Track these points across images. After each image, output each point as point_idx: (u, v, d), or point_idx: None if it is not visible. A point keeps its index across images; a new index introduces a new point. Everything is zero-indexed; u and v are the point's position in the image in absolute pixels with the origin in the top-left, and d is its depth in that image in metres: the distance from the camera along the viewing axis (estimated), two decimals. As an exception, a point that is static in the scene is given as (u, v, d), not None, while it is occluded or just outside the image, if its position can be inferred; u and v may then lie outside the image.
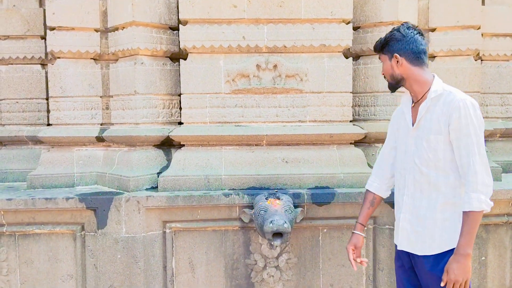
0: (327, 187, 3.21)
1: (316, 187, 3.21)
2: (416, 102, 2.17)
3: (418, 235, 2.14)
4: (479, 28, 3.62)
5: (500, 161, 3.86)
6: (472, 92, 3.60)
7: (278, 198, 2.96)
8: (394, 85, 2.22)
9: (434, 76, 2.15)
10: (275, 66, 3.26)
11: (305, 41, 3.25)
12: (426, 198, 2.11)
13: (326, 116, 3.32)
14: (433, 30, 3.67)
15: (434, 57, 3.68)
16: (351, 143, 3.39)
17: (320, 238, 3.17)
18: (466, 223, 1.94)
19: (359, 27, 3.51)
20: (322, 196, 3.09)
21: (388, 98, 3.38)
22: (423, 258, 2.13)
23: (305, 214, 3.07)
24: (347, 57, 3.35)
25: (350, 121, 3.40)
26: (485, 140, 3.77)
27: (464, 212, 1.95)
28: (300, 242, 3.15)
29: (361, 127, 3.40)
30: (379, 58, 2.28)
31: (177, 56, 3.45)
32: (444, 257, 2.06)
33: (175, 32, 3.41)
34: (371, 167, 3.36)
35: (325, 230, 3.17)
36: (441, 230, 2.07)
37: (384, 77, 2.27)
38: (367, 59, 3.49)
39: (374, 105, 3.46)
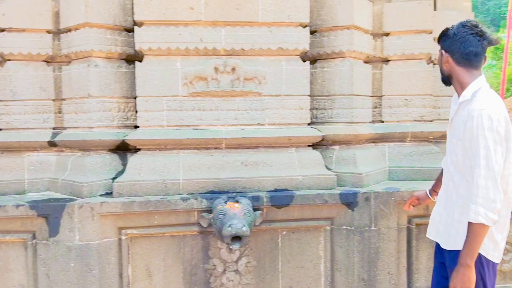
0: (286, 190, 3.22)
1: (276, 190, 3.21)
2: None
3: (444, 228, 2.23)
4: (431, 32, 3.73)
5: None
6: (424, 95, 3.72)
7: (237, 202, 2.94)
8: (445, 79, 2.26)
9: (478, 78, 2.12)
10: (233, 69, 3.24)
11: (263, 44, 3.26)
12: (450, 196, 2.18)
13: (284, 119, 3.33)
14: (387, 34, 3.76)
15: (388, 61, 3.77)
16: (309, 146, 3.42)
17: (279, 240, 3.17)
18: (467, 234, 1.98)
19: (316, 31, 3.55)
20: (281, 198, 3.09)
21: (344, 101, 3.43)
22: (445, 251, 2.23)
23: (265, 217, 3.07)
24: (304, 61, 3.38)
25: (308, 124, 3.43)
26: (440, 142, 3.95)
27: (468, 222, 1.98)
28: (259, 245, 3.14)
29: (319, 130, 3.44)
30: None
31: (133, 59, 3.37)
32: (457, 256, 2.07)
33: (130, 33, 3.33)
34: (329, 169, 3.40)
35: (284, 233, 3.17)
36: (456, 230, 2.13)
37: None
38: (324, 63, 3.53)
39: (331, 108, 3.50)
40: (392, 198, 3.18)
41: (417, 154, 3.67)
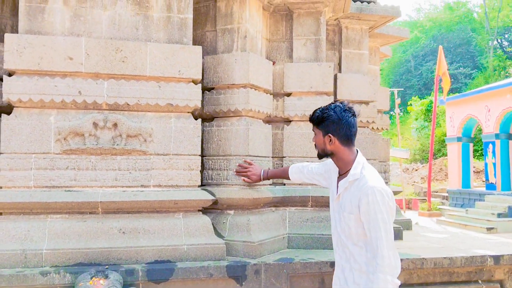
0: (169, 261, 2.88)
1: (156, 261, 2.86)
2: (340, 175, 2.32)
3: None
4: (332, 94, 3.67)
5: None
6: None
7: (106, 277, 2.56)
8: (323, 156, 2.38)
9: (357, 154, 2.28)
10: (115, 125, 2.96)
11: (150, 99, 3.01)
12: (347, 262, 2.27)
13: (172, 180, 3.05)
14: (288, 94, 3.66)
15: (290, 121, 3.65)
16: (199, 210, 3.13)
17: (157, 320, 2.78)
18: None
19: (213, 88, 3.38)
20: (159, 272, 2.75)
21: (240, 162, 3.21)
22: None
23: (141, 293, 2.69)
24: (196, 118, 3.16)
25: (200, 186, 3.16)
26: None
27: None
28: (133, 327, 2.73)
29: (212, 192, 3.18)
30: (313, 129, 2.38)
31: (7, 111, 3.01)
32: None
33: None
34: (221, 236, 3.12)
35: (163, 312, 2.79)
36: None
37: (315, 145, 2.39)
38: (220, 121, 3.34)
39: (227, 169, 3.27)
40: (284, 270, 2.92)
41: (318, 220, 3.47)
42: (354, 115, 2.28)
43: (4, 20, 3.20)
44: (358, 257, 2.22)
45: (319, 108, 2.35)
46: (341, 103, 2.30)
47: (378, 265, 2.07)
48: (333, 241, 2.41)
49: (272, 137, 3.62)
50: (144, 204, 2.95)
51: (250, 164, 3.19)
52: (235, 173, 3.23)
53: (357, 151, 2.32)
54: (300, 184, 3.56)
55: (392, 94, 16.69)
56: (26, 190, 2.83)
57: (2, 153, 2.83)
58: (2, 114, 2.88)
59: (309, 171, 2.71)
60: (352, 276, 2.25)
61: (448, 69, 14.59)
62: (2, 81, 2.92)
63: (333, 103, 2.32)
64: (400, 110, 25.96)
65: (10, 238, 2.74)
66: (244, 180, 3.17)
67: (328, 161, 2.47)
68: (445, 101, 15.45)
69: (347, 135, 2.26)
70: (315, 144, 2.41)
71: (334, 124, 2.25)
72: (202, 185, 3.30)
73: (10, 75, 2.89)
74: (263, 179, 3.15)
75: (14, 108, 2.88)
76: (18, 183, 2.83)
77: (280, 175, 3.11)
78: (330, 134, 2.27)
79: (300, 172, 2.78)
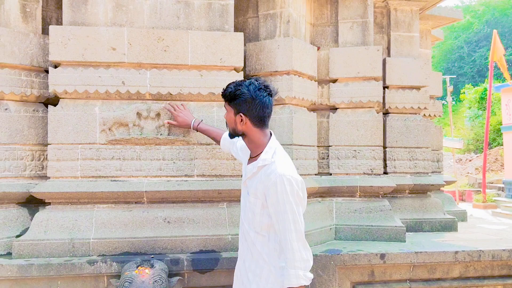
0: (213, 251, 2.84)
1: (201, 251, 2.83)
2: (251, 157, 2.20)
3: (244, 285, 2.18)
4: (380, 80, 3.50)
5: (408, 219, 3.66)
6: (374, 146, 3.43)
7: (152, 266, 2.55)
8: (234, 135, 2.25)
9: (270, 136, 2.16)
10: (158, 115, 2.94)
11: (192, 88, 2.98)
12: (249, 252, 2.15)
13: (215, 170, 3.00)
14: (334, 81, 3.52)
15: (336, 108, 3.51)
16: (243, 200, 3.07)
17: (203, 311, 2.75)
18: None
19: (255, 75, 3.29)
20: (204, 262, 2.71)
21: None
22: None
23: (186, 284, 2.68)
24: (239, 107, 3.09)
25: (243, 175, 3.10)
26: (394, 197, 3.63)
27: None
28: (178, 317, 2.72)
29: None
30: (225, 105, 2.22)
31: (54, 102, 3.06)
32: None
33: (50, 75, 3.04)
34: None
35: (209, 302, 2.76)
36: (257, 285, 2.10)
37: (226, 123, 2.26)
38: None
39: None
40: (332, 262, 2.82)
41: (366, 211, 3.33)
42: (270, 94, 2.13)
43: (49, 13, 3.25)
44: (260, 247, 2.10)
45: (232, 82, 2.18)
46: (257, 80, 2.14)
47: (289, 260, 1.96)
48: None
49: (317, 125, 3.50)
50: (188, 194, 2.92)
51: (184, 108, 2.92)
52: (163, 107, 2.93)
53: (271, 134, 2.17)
54: (347, 174, 3.44)
55: (444, 81, 16.01)
56: (73, 180, 2.87)
57: (50, 144, 2.88)
58: (49, 106, 2.92)
59: (235, 145, 2.54)
60: (253, 267, 2.13)
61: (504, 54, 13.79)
62: (48, 73, 2.96)
63: (248, 79, 2.16)
64: (453, 98, 24.92)
65: (58, 227, 2.79)
66: (169, 122, 2.90)
67: None
68: (502, 87, 14.67)
69: (260, 116, 2.11)
70: (226, 122, 2.26)
71: (247, 103, 2.09)
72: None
73: (55, 67, 2.93)
74: (193, 128, 2.85)
75: (60, 100, 2.92)
76: (66, 174, 2.87)
77: (211, 135, 2.83)
78: (241, 114, 2.11)
79: (231, 143, 2.58)
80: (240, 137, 2.32)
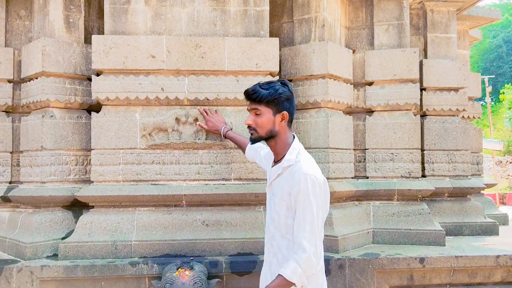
0: (251, 254, 2.87)
1: (239, 254, 2.87)
2: (275, 162, 2.16)
3: None
4: (417, 82, 3.46)
5: (447, 222, 3.59)
6: (412, 149, 3.39)
7: (191, 268, 2.61)
8: (260, 139, 2.14)
9: (294, 139, 2.13)
10: (196, 120, 3.00)
11: (229, 93, 3.03)
12: (275, 257, 2.10)
13: (252, 173, 3.04)
14: (370, 84, 3.50)
15: (372, 111, 3.49)
16: (280, 204, 3.09)
17: (241, 313, 2.79)
18: (274, 281, 1.93)
19: (291, 80, 3.32)
20: (243, 264, 2.75)
21: (320, 154, 3.13)
22: None
23: (224, 286, 2.72)
24: (275, 111, 3.12)
25: (280, 179, 3.12)
26: (433, 200, 3.57)
27: (278, 274, 1.92)
28: (218, 319, 2.76)
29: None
30: (254, 109, 2.10)
31: (96, 109, 3.18)
32: None
33: (92, 83, 3.16)
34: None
35: (247, 304, 2.79)
36: None
37: (250, 128, 2.13)
38: (299, 114, 3.29)
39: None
40: (370, 266, 2.80)
41: (405, 215, 3.29)
42: (293, 95, 2.16)
43: (91, 23, 3.38)
44: (286, 252, 2.04)
45: (257, 84, 2.11)
46: (281, 80, 2.14)
47: (296, 255, 1.91)
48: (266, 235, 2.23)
49: (353, 128, 3.49)
50: (225, 197, 2.97)
51: (217, 114, 2.99)
52: (197, 109, 2.99)
53: (294, 136, 2.15)
54: (384, 177, 3.41)
55: (483, 82, 15.58)
56: (115, 184, 2.97)
57: (93, 149, 2.98)
58: (92, 112, 3.03)
59: (259, 153, 2.52)
60: (276, 271, 2.03)
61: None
62: (90, 80, 3.08)
63: (273, 81, 2.12)
64: (492, 99, 24.20)
65: (101, 230, 2.89)
66: (200, 124, 2.95)
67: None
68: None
69: (293, 114, 2.16)
70: (249, 127, 2.14)
71: (288, 102, 2.09)
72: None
73: (98, 75, 3.04)
74: (223, 135, 2.89)
75: (102, 106, 3.03)
76: (108, 178, 2.97)
77: (238, 142, 2.83)
78: (285, 112, 2.08)
79: (255, 151, 2.57)
80: (263, 145, 2.31)
